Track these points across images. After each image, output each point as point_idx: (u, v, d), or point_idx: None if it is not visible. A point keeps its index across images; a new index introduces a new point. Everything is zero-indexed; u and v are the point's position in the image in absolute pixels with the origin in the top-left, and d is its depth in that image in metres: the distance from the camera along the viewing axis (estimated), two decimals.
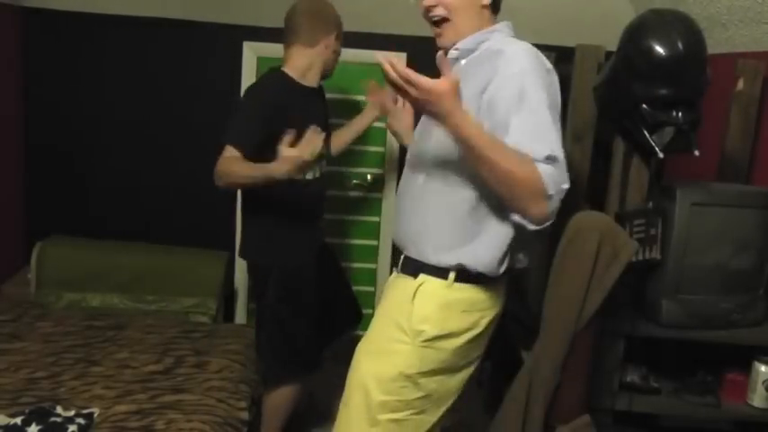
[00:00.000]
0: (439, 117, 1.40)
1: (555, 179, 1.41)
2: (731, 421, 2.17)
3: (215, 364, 2.42)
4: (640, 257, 1.94)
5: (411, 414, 1.61)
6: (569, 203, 2.18)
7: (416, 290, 1.61)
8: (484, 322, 1.65)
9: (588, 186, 2.21)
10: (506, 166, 1.39)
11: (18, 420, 1.95)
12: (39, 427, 1.93)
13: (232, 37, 3.24)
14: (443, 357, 1.61)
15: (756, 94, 2.32)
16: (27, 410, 2.01)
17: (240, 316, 3.49)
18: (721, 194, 2.01)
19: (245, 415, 2.20)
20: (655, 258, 1.96)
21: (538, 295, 1.96)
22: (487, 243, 1.57)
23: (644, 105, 1.82)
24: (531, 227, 1.46)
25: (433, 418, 1.66)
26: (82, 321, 2.72)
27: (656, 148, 1.84)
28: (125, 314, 2.93)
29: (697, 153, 1.85)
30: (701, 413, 2.01)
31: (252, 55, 3.27)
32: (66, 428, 1.94)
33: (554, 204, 1.43)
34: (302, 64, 2.32)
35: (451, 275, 1.60)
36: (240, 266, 3.45)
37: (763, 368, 1.98)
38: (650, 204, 1.99)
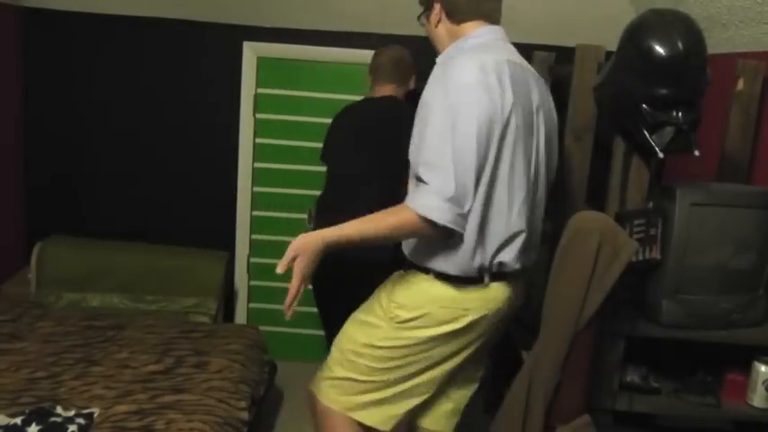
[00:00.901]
0: (322, 247, 1.57)
1: (422, 200, 1.56)
2: (731, 421, 2.16)
3: (215, 364, 2.42)
4: (640, 257, 1.94)
5: (366, 381, 1.78)
6: (569, 203, 2.19)
7: (401, 275, 1.80)
8: (466, 320, 1.71)
9: (588, 186, 2.21)
10: (384, 235, 1.60)
11: (18, 420, 1.95)
12: (39, 427, 1.93)
13: (232, 37, 3.24)
14: (415, 342, 1.73)
15: (756, 94, 2.32)
16: (27, 410, 2.00)
17: (240, 316, 3.49)
18: (721, 194, 2.01)
19: (245, 415, 2.20)
20: (655, 258, 1.96)
21: (538, 295, 1.96)
22: (454, 252, 1.67)
23: (644, 105, 1.82)
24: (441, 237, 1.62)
25: (397, 390, 1.78)
26: (82, 321, 2.72)
27: (656, 148, 1.84)
28: (125, 314, 2.93)
29: (697, 153, 1.85)
30: (701, 413, 2.01)
31: (252, 55, 3.28)
32: (66, 428, 1.93)
33: (438, 213, 1.55)
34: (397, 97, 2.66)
35: (432, 274, 1.72)
36: (240, 266, 3.46)
37: (763, 368, 1.97)
38: (650, 204, 1.99)
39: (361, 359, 1.78)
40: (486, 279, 1.71)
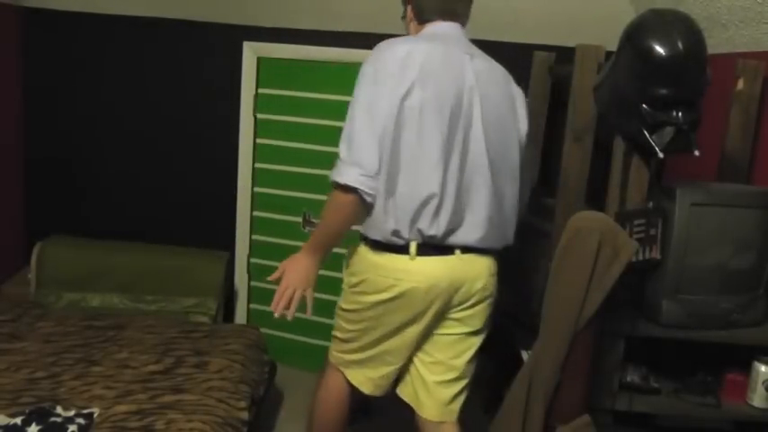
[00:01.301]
0: (305, 258, 1.83)
1: (338, 169, 1.75)
2: (731, 421, 2.17)
3: (215, 364, 2.42)
4: (640, 257, 1.94)
5: (346, 341, 1.99)
6: (569, 203, 2.18)
7: (356, 244, 1.95)
8: (396, 290, 1.81)
9: (588, 186, 2.21)
10: (330, 222, 1.80)
11: (18, 420, 1.95)
12: (39, 427, 1.93)
13: (232, 37, 3.24)
14: (363, 306, 1.89)
15: (756, 94, 2.32)
16: (27, 410, 2.01)
17: (240, 316, 3.49)
18: (721, 194, 2.01)
19: (245, 415, 2.20)
20: (655, 258, 1.96)
21: (538, 295, 1.96)
22: (373, 218, 1.81)
23: (644, 105, 1.82)
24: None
25: (368, 354, 1.95)
26: (82, 321, 2.72)
27: (656, 148, 1.84)
28: (125, 314, 2.93)
29: (697, 153, 1.85)
30: (701, 413, 2.01)
31: (252, 55, 3.28)
32: (66, 428, 1.94)
33: (342, 176, 1.73)
34: None
35: (369, 242, 1.87)
36: (240, 267, 3.46)
37: (763, 368, 1.98)
38: (650, 204, 1.99)
39: (338, 319, 2.00)
40: (412, 250, 1.79)
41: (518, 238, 2.02)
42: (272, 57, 3.27)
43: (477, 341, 1.95)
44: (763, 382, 1.98)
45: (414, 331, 1.87)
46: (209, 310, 3.10)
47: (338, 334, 2.01)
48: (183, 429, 1.98)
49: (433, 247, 1.80)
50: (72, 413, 2.03)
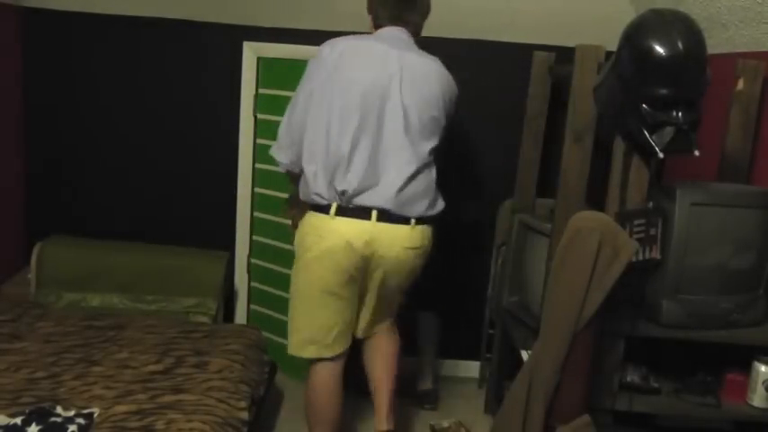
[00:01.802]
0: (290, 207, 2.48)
1: (274, 150, 2.27)
2: (731, 421, 2.17)
3: (215, 364, 2.42)
4: (640, 257, 1.94)
5: (295, 317, 2.29)
6: (569, 203, 2.18)
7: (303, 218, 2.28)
8: (322, 247, 2.12)
9: (588, 186, 2.21)
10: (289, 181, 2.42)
11: (18, 420, 1.95)
12: (39, 427, 1.93)
13: (232, 37, 3.24)
14: (302, 268, 2.20)
15: (756, 94, 2.32)
16: (27, 410, 2.00)
17: (240, 316, 3.49)
18: (721, 194, 2.01)
19: (244, 415, 2.20)
20: (655, 258, 1.96)
21: (538, 295, 1.96)
22: (302, 183, 2.21)
23: (644, 105, 1.82)
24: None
25: (307, 310, 2.24)
26: (82, 321, 2.72)
27: (656, 148, 1.84)
28: (125, 314, 2.93)
29: (697, 153, 1.85)
30: (701, 413, 2.01)
31: (252, 55, 3.28)
32: (66, 428, 1.93)
33: (279, 159, 2.26)
34: None
35: (307, 206, 2.21)
36: (240, 267, 3.46)
37: (763, 368, 1.98)
38: (650, 204, 1.99)
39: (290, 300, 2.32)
40: (332, 210, 2.10)
41: (519, 238, 2.02)
42: (272, 57, 3.27)
43: (396, 297, 2.39)
44: (763, 382, 1.98)
45: (337, 284, 2.15)
46: (209, 311, 3.10)
47: (291, 310, 2.30)
48: (182, 429, 1.98)
49: (351, 210, 2.10)
50: (72, 413, 2.03)
